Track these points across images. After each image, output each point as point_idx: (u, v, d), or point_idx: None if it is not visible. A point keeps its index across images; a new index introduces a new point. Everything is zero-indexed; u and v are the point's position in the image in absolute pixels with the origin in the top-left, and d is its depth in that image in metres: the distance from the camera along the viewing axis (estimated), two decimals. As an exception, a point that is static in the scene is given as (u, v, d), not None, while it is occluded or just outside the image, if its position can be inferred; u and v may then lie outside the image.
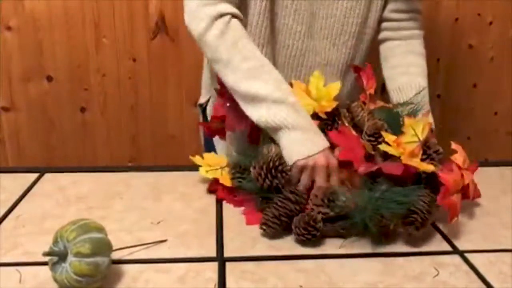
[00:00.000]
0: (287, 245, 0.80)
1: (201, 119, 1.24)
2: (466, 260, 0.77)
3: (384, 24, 1.13)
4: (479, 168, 1.11)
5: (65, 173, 1.02)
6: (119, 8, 1.75)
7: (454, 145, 0.88)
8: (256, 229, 0.84)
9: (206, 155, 1.00)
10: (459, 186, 0.84)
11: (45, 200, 0.92)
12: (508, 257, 0.78)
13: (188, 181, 1.00)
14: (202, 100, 1.23)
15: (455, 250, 0.80)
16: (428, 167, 0.82)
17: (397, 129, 0.88)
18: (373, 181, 0.83)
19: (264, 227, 0.82)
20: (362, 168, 0.82)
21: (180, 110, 1.89)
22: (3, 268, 0.72)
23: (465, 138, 1.96)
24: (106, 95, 1.84)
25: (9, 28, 1.74)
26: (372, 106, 0.94)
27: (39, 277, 0.70)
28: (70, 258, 0.64)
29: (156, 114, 1.88)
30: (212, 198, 0.94)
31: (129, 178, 1.01)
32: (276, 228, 0.81)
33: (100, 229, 0.68)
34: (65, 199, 0.92)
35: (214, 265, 0.74)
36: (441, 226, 0.86)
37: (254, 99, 0.90)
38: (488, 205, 0.94)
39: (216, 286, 0.69)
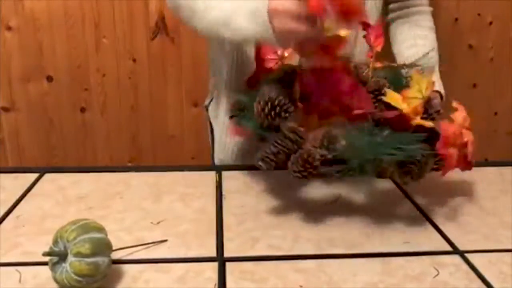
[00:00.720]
0: (287, 245, 0.80)
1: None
2: (466, 260, 0.77)
3: (391, 6, 1.13)
4: (479, 168, 1.11)
5: (65, 173, 1.02)
6: (119, 8, 1.76)
7: (455, 103, 0.88)
8: (256, 229, 0.84)
9: None
10: (457, 140, 0.84)
11: (45, 200, 0.92)
12: (508, 257, 0.78)
13: (188, 181, 1.00)
14: (206, 101, 1.24)
15: (455, 250, 0.80)
16: (427, 123, 0.83)
17: (400, 90, 0.88)
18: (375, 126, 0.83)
19: (261, 163, 0.82)
20: (362, 109, 0.82)
21: (180, 110, 1.89)
22: (3, 268, 0.72)
23: (465, 138, 1.96)
24: (106, 95, 1.84)
25: (9, 28, 1.74)
26: (378, 64, 0.94)
27: (39, 277, 0.70)
28: (70, 258, 0.64)
29: (156, 114, 1.88)
30: (212, 198, 0.94)
31: (129, 178, 1.01)
32: (272, 164, 0.82)
33: (100, 229, 0.68)
34: (65, 199, 0.92)
35: (214, 265, 0.74)
36: (441, 226, 0.86)
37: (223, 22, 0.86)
38: (488, 205, 0.94)
39: (216, 286, 0.69)
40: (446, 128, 0.83)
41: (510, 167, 1.11)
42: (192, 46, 1.80)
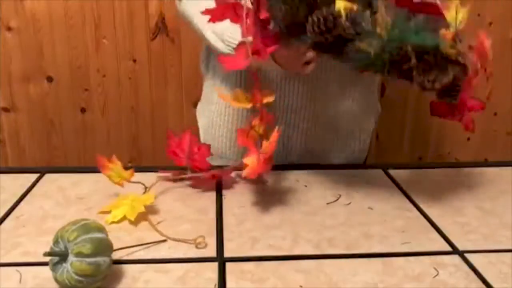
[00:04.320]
0: (287, 245, 0.80)
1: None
2: (466, 260, 0.77)
3: None
4: (479, 168, 1.11)
5: (65, 173, 1.03)
6: (119, 8, 1.76)
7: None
8: (256, 229, 0.84)
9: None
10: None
11: (45, 200, 0.92)
12: (508, 257, 0.78)
13: (188, 181, 1.00)
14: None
15: (455, 250, 0.80)
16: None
17: None
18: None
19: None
20: None
21: (180, 110, 1.89)
22: (3, 268, 0.72)
23: (465, 138, 1.96)
24: (106, 95, 1.84)
25: (9, 29, 1.74)
26: None
27: (39, 277, 0.70)
28: (71, 258, 0.64)
29: (156, 114, 1.89)
30: (212, 198, 0.94)
31: (129, 178, 1.01)
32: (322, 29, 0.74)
33: (101, 229, 0.69)
34: (66, 200, 0.93)
35: (214, 265, 0.74)
36: (441, 226, 0.86)
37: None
38: (488, 205, 0.94)
39: (216, 286, 0.69)
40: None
41: (510, 167, 1.11)
42: (192, 46, 1.80)
